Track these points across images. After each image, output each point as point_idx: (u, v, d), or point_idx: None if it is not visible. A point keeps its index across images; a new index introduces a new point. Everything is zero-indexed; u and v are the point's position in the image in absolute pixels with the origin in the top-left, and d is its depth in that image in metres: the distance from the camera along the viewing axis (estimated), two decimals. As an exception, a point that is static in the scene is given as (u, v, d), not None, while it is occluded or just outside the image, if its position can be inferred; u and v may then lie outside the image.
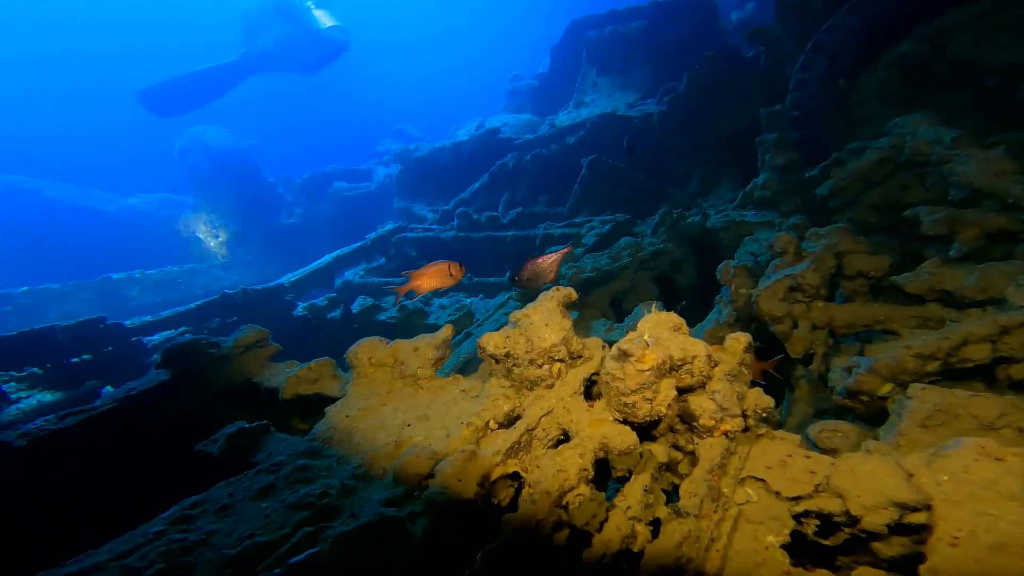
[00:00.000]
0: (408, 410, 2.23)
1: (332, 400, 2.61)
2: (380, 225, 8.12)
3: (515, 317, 2.16)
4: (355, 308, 5.77)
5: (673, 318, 2.07)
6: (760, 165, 5.09)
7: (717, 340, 4.11)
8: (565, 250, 3.17)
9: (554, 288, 2.27)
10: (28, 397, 4.11)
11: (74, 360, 4.30)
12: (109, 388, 4.46)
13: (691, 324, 4.86)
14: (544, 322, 2.06)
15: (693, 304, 6.06)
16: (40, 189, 18.32)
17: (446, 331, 2.48)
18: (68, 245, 16.74)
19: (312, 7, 18.31)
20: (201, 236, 17.02)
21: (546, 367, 2.10)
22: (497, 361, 2.11)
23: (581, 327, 4.83)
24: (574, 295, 2.32)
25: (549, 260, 3.15)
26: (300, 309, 5.92)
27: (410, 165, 9.64)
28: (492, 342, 2.09)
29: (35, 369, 4.25)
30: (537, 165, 7.77)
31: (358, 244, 7.75)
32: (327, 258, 7.40)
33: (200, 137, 15.60)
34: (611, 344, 4.33)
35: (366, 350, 2.41)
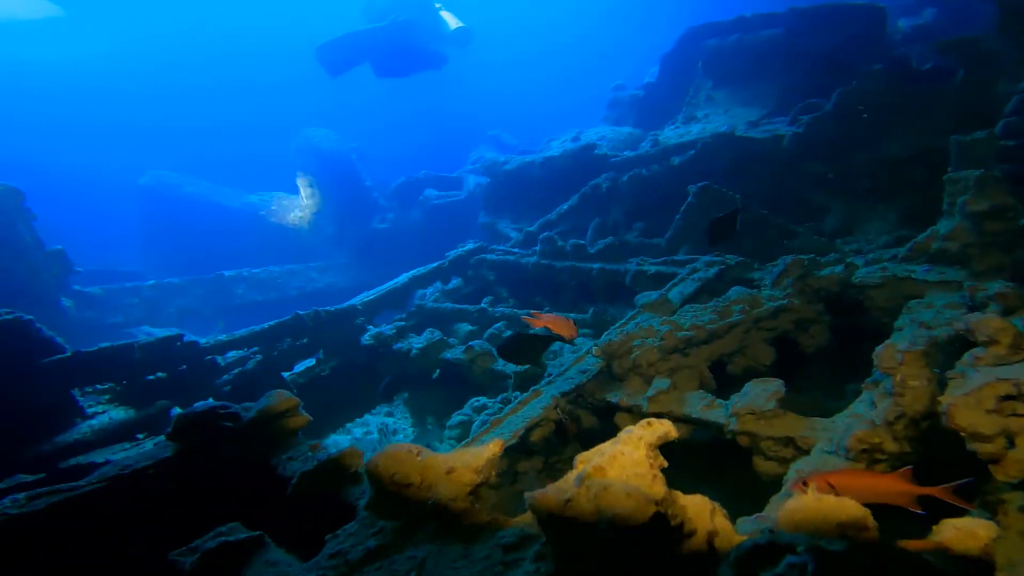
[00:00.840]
0: (426, 567, 1.66)
1: (348, 507, 2.13)
2: (460, 243, 7.82)
3: (584, 466, 1.50)
4: (419, 344, 5.40)
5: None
6: (945, 208, 3.91)
7: (871, 448, 3.10)
8: (567, 335, 3.31)
9: (643, 424, 1.57)
10: (103, 413, 4.20)
11: (149, 377, 4.36)
12: (177, 409, 4.48)
13: (822, 404, 3.81)
14: (625, 491, 1.37)
15: (821, 374, 4.94)
16: (181, 184, 20.59)
17: (492, 449, 1.88)
18: (199, 240, 18.53)
19: (440, 7, 18.68)
20: (304, 234, 18.11)
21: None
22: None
23: (671, 399, 3.98)
24: (672, 433, 1.60)
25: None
26: (367, 338, 5.70)
27: (498, 178, 9.26)
28: (546, 505, 1.44)
29: (113, 384, 4.37)
30: (635, 187, 6.96)
31: (435, 264, 7.49)
32: (403, 278, 7.20)
33: (311, 138, 16.60)
34: (704, 416, 3.39)
35: (390, 464, 1.88)
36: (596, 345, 4.44)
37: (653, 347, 4.31)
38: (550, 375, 4.46)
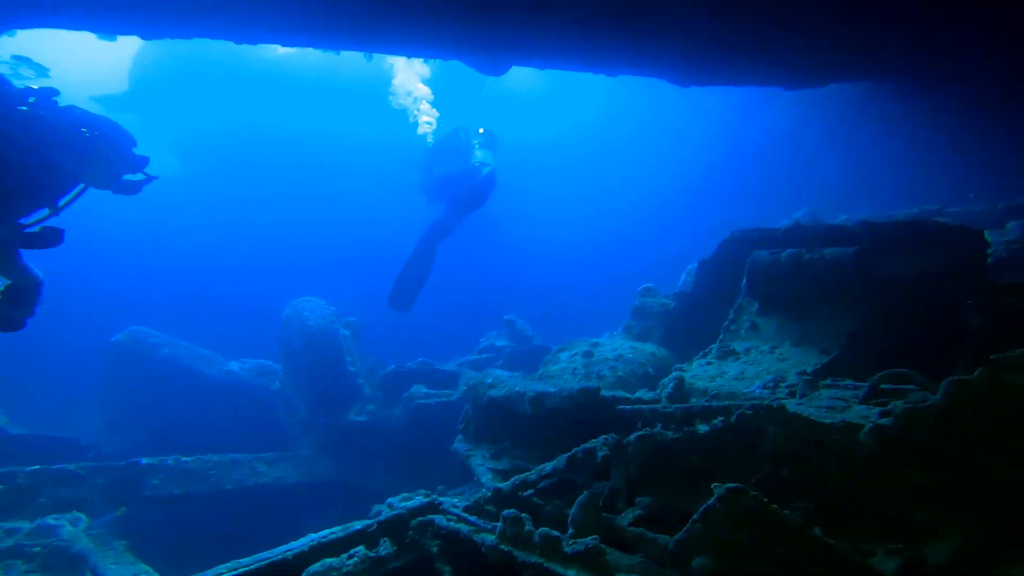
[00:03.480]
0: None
1: None
2: (403, 497, 6.41)
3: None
4: None
5: None
6: None
7: None
8: None
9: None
10: None
11: None
12: None
13: None
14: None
15: None
16: (160, 345, 20.32)
17: None
18: (166, 409, 17.60)
19: (476, 146, 19.76)
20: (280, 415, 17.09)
21: None
22: None
23: None
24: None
25: None
26: (189, 671, 4.06)
27: (481, 403, 8.16)
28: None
29: None
30: (644, 452, 5.61)
31: (359, 526, 5.93)
32: (300, 544, 5.58)
33: (300, 310, 16.41)
34: None
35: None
36: None
37: None
38: None
